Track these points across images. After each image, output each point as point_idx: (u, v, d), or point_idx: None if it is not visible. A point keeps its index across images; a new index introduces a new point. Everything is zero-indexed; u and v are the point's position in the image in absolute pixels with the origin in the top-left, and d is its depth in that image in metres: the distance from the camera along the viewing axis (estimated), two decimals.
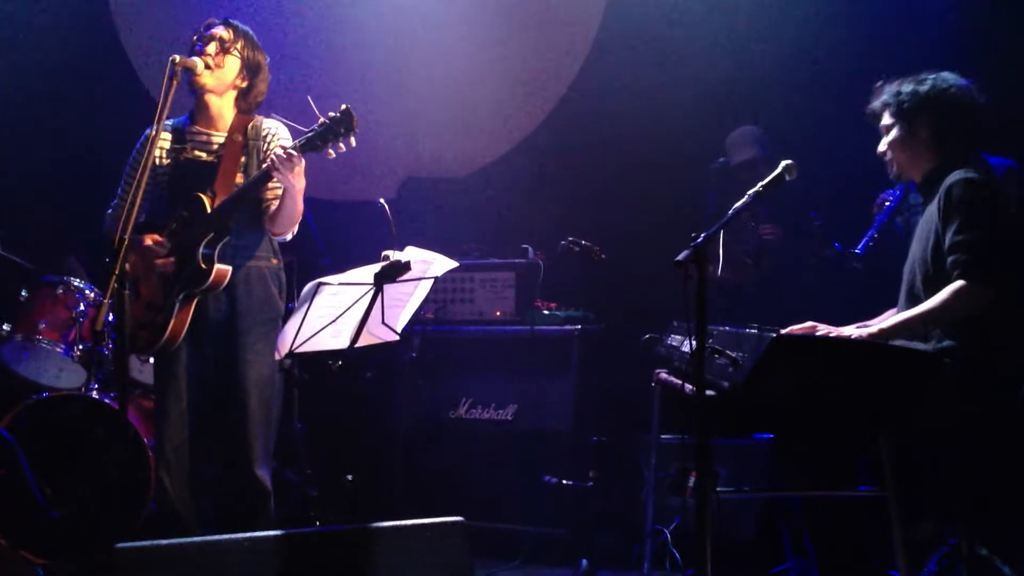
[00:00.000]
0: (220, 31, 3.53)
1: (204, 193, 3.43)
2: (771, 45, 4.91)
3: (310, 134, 3.27)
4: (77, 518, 3.95)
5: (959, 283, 2.84)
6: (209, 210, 3.41)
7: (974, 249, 2.85)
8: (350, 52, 5.51)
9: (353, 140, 3.26)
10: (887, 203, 4.20)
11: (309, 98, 3.27)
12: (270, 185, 3.48)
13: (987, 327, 2.86)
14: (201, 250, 3.39)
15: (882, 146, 3.18)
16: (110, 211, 3.65)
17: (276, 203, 3.48)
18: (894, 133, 3.13)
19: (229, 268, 3.44)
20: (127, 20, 5.64)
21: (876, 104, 3.18)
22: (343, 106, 3.25)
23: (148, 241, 3.46)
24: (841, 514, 2.95)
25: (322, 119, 3.26)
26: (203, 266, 3.39)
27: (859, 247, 4.22)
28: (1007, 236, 2.95)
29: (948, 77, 3.11)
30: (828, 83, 4.78)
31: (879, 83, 3.21)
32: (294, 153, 3.28)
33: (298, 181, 3.38)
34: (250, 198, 3.46)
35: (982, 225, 2.88)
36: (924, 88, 3.07)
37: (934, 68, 3.15)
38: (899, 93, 3.11)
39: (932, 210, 3.01)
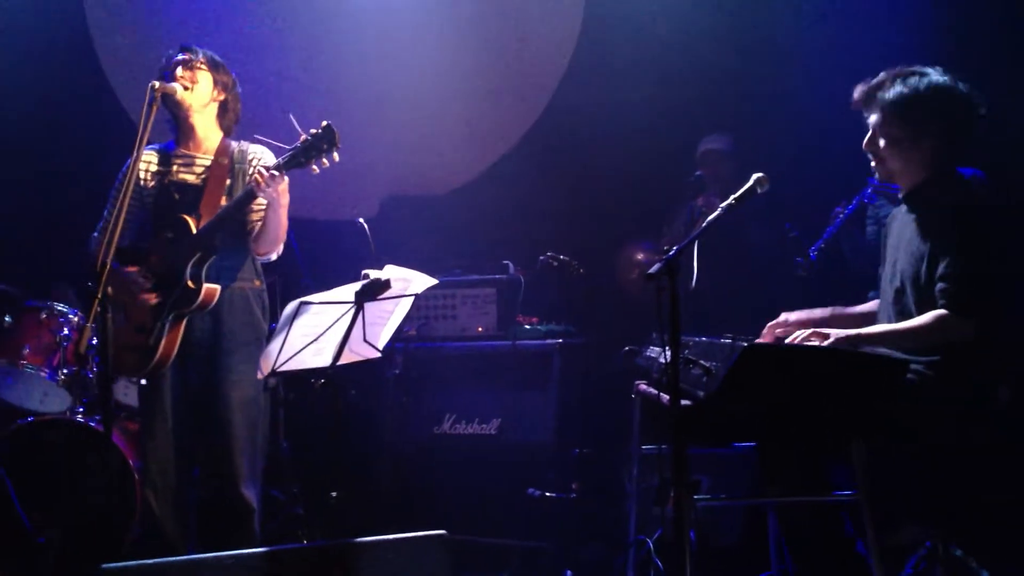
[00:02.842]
0: (181, 56, 3.58)
1: (189, 215, 3.48)
2: (747, 62, 4.95)
3: (293, 151, 3.34)
4: (64, 541, 3.96)
5: (942, 312, 2.81)
6: (194, 231, 3.45)
7: (963, 281, 2.80)
8: (330, 72, 5.56)
9: (336, 155, 3.34)
10: (840, 216, 4.28)
11: (291, 116, 3.33)
12: (254, 207, 3.53)
13: (970, 343, 2.83)
14: (189, 270, 3.43)
15: (871, 144, 2.99)
16: (95, 234, 3.69)
17: (260, 224, 3.53)
18: (892, 135, 2.93)
19: (218, 287, 3.48)
20: (106, 43, 5.65)
21: (874, 95, 2.94)
22: (324, 122, 3.33)
23: (131, 271, 3.47)
24: (818, 520, 2.96)
25: (304, 136, 3.33)
26: (191, 286, 3.43)
27: (811, 254, 4.32)
28: (1002, 266, 2.86)
29: (947, 81, 2.89)
30: (805, 99, 4.82)
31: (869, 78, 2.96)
32: (276, 172, 3.34)
33: (282, 197, 3.44)
34: (235, 219, 3.50)
35: (976, 257, 2.81)
36: (929, 92, 2.86)
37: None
38: (903, 93, 2.88)
39: (927, 227, 2.92)
